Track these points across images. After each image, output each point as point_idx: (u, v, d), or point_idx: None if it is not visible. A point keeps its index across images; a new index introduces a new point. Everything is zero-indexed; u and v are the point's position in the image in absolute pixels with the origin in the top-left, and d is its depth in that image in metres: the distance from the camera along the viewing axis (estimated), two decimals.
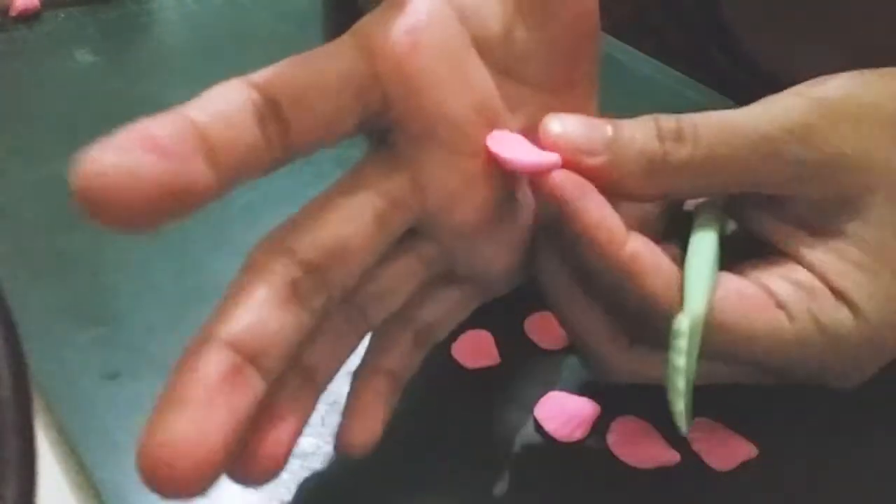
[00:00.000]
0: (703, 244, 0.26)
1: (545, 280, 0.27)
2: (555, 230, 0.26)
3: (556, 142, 0.25)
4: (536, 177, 0.25)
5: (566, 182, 0.24)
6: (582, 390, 0.31)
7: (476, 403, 0.30)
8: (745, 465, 0.29)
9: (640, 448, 0.29)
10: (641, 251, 0.25)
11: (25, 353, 0.23)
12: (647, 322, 0.25)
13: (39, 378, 0.29)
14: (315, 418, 0.29)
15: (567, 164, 0.25)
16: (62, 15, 0.50)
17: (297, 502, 0.27)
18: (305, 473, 0.27)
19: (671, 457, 0.29)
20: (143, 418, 0.28)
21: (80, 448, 0.27)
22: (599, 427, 0.30)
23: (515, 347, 0.33)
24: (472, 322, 0.33)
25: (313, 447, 0.28)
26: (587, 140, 0.25)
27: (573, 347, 0.32)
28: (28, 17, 0.49)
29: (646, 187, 0.25)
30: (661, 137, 0.25)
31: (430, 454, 0.29)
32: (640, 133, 0.25)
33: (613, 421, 0.30)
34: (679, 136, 0.25)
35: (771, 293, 0.26)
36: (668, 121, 0.26)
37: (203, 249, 0.35)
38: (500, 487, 0.28)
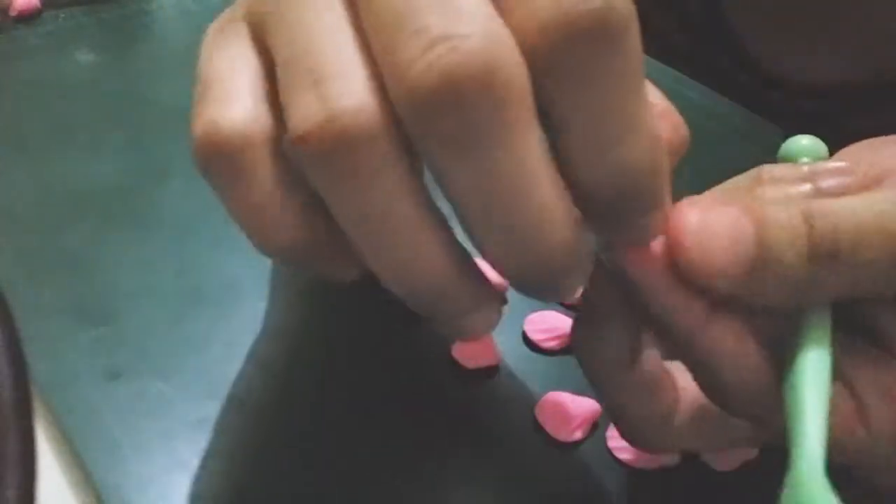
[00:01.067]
0: (817, 358, 0.21)
1: (587, 359, 0.24)
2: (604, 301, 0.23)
3: (686, 249, 0.20)
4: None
5: (647, 259, 0.21)
6: (582, 390, 0.31)
7: (476, 403, 0.30)
8: (745, 465, 0.29)
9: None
10: (724, 337, 0.21)
11: (25, 353, 0.23)
12: (731, 408, 0.22)
13: (39, 378, 0.29)
14: (315, 418, 0.29)
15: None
16: (62, 15, 0.50)
17: (295, 500, 0.27)
18: (304, 475, 0.27)
19: (671, 457, 0.29)
20: (143, 418, 0.28)
21: (80, 448, 0.27)
22: (599, 427, 0.30)
23: (515, 347, 0.33)
24: None
25: (313, 447, 0.28)
26: (725, 262, 0.20)
27: (573, 349, 0.33)
28: (28, 17, 0.49)
29: (779, 306, 0.21)
30: (811, 257, 0.20)
31: (430, 454, 0.29)
32: (790, 252, 0.20)
33: None
34: (834, 255, 0.20)
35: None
36: (823, 233, 0.20)
37: (203, 249, 0.35)
38: (500, 487, 0.28)
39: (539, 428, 0.30)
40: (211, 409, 0.29)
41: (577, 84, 0.17)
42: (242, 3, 0.21)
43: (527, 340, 0.33)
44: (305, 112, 0.17)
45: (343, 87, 0.17)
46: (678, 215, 0.21)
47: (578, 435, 0.29)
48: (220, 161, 0.19)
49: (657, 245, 0.21)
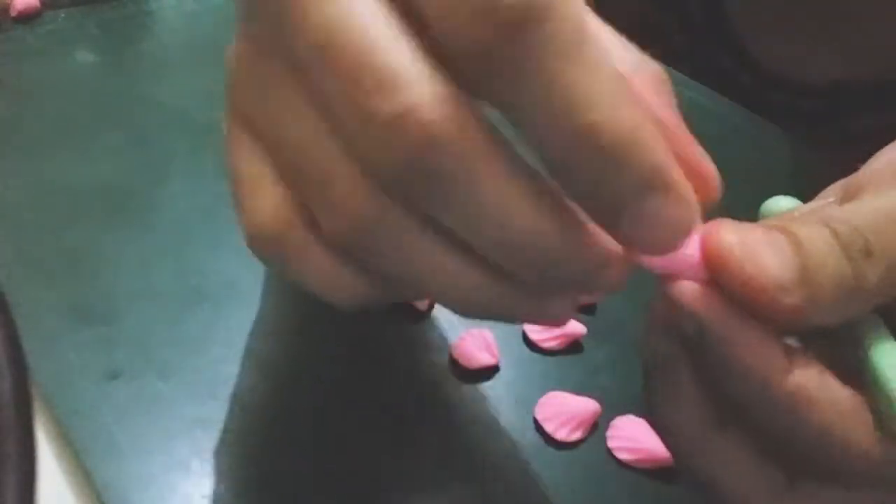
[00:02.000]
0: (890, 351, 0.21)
1: (667, 423, 0.22)
2: (682, 358, 0.21)
3: (735, 268, 0.19)
4: (668, 280, 0.20)
5: (709, 300, 0.20)
6: (582, 390, 0.31)
7: (476, 403, 0.30)
8: None
9: (640, 448, 0.29)
10: (808, 380, 0.20)
11: (25, 353, 0.23)
12: (819, 456, 0.21)
13: (39, 378, 0.29)
14: (315, 418, 0.29)
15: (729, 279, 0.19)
16: (62, 15, 0.50)
17: (294, 499, 0.27)
18: (306, 474, 0.27)
19: (671, 457, 0.29)
20: (143, 418, 0.28)
21: (80, 448, 0.27)
22: (599, 427, 0.30)
23: (515, 347, 0.33)
24: (472, 322, 0.33)
25: (313, 447, 0.28)
26: (779, 269, 0.19)
27: (570, 349, 0.33)
28: (28, 17, 0.49)
29: (834, 319, 0.20)
30: (849, 257, 0.20)
31: (430, 454, 0.29)
32: (830, 257, 0.20)
33: (613, 421, 0.30)
34: (868, 251, 0.20)
35: None
36: (848, 233, 0.20)
37: (203, 249, 0.35)
38: (500, 487, 0.28)
39: (539, 428, 0.30)
40: (211, 409, 0.29)
41: (518, 76, 0.16)
42: (230, 93, 0.21)
43: (527, 340, 0.33)
44: (329, 221, 0.18)
45: (342, 190, 0.18)
46: (713, 237, 0.20)
47: (578, 435, 0.29)
48: (272, 256, 0.20)
49: (703, 271, 0.20)
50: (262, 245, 0.20)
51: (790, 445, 0.21)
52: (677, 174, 0.17)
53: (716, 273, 0.19)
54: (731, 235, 0.19)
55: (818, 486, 0.22)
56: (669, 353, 0.22)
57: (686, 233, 0.18)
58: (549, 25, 0.15)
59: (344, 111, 0.17)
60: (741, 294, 0.19)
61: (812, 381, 0.20)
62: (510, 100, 0.17)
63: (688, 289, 0.20)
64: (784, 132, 0.48)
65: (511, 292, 0.19)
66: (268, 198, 0.20)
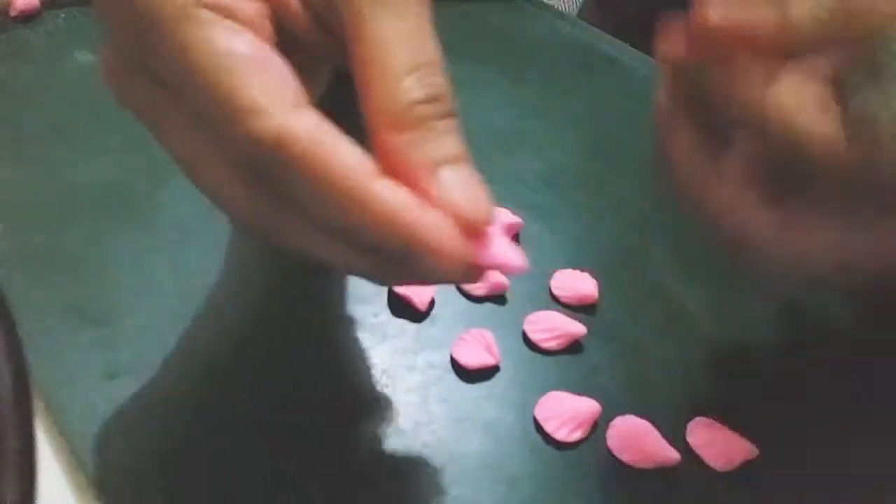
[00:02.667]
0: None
1: (670, 153, 0.27)
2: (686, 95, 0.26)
3: (719, 25, 0.24)
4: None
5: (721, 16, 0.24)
6: (582, 390, 0.31)
7: (476, 403, 0.30)
8: (745, 465, 0.29)
9: (640, 448, 0.29)
10: (787, 91, 0.23)
11: (25, 353, 0.23)
12: (802, 168, 0.24)
13: (39, 378, 0.29)
14: (315, 418, 0.29)
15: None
16: (62, 15, 0.50)
17: (294, 499, 0.27)
18: (307, 474, 0.27)
19: (671, 457, 0.29)
20: (143, 418, 0.28)
21: (80, 448, 0.27)
22: (599, 427, 0.30)
23: (515, 347, 0.33)
24: (472, 322, 0.33)
25: (313, 447, 0.28)
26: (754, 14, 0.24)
27: (570, 349, 0.33)
28: (28, 17, 0.49)
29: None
30: None
31: (430, 454, 0.29)
32: None
33: (613, 421, 0.30)
34: None
35: None
36: None
37: (203, 249, 0.35)
38: (500, 487, 0.28)
39: (539, 428, 0.30)
40: (211, 409, 0.29)
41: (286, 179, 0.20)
42: None
43: (527, 340, 0.33)
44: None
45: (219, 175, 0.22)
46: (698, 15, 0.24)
47: (578, 435, 0.29)
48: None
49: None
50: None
51: (776, 160, 0.24)
52: (438, 239, 0.20)
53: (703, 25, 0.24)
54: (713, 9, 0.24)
55: (806, 209, 0.24)
56: (672, 100, 0.27)
57: (462, 275, 0.21)
58: (284, 151, 0.19)
59: (216, 125, 0.20)
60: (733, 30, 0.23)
61: (790, 89, 0.23)
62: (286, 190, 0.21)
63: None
64: None
65: (376, 262, 0.21)
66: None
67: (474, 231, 0.21)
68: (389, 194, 0.20)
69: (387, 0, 0.21)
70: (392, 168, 0.20)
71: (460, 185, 0.21)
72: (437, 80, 0.21)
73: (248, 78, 0.20)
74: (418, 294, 0.33)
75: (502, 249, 0.21)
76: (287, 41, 0.22)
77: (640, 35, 0.56)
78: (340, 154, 0.20)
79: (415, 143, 0.21)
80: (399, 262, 0.20)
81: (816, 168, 0.23)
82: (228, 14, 0.21)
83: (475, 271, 0.21)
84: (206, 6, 0.20)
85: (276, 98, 0.20)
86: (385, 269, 0.22)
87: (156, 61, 0.21)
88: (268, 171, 0.20)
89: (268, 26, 0.22)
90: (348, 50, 0.21)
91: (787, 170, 0.24)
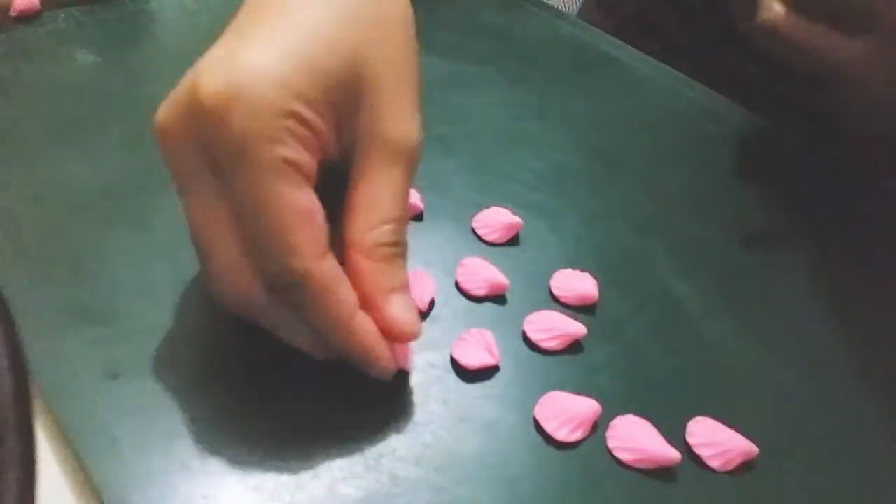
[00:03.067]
0: None
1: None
2: None
3: None
4: None
5: None
6: (582, 390, 0.31)
7: (476, 403, 0.30)
8: (745, 465, 0.29)
9: (640, 448, 0.29)
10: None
11: (25, 353, 0.23)
12: None
13: (39, 378, 0.29)
14: (314, 418, 0.29)
15: None
16: (62, 15, 0.50)
17: (298, 502, 0.27)
18: (306, 473, 0.27)
19: (671, 457, 0.29)
20: (143, 418, 0.28)
21: (80, 448, 0.27)
22: (599, 427, 0.30)
23: (515, 347, 0.33)
24: (472, 322, 0.33)
25: (313, 447, 0.28)
26: None
27: (571, 349, 0.33)
28: (28, 17, 0.49)
29: None
30: None
31: (430, 454, 0.29)
32: None
33: (613, 421, 0.30)
34: None
35: None
36: None
37: None
38: (501, 487, 0.28)
39: (539, 428, 0.30)
40: (211, 409, 0.29)
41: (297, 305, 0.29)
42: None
43: (527, 340, 0.33)
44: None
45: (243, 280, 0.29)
46: None
47: (578, 435, 0.29)
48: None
49: None
50: None
51: None
52: (384, 357, 0.29)
53: None
54: None
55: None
56: None
57: (391, 365, 0.29)
58: (303, 285, 0.27)
59: (263, 249, 0.27)
60: None
61: None
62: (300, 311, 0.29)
63: None
64: (783, 132, 0.48)
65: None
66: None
67: (406, 340, 0.29)
68: (365, 326, 0.28)
69: (383, 166, 0.29)
70: (356, 276, 0.28)
71: (404, 308, 0.29)
72: (400, 231, 0.29)
73: (297, 227, 0.26)
74: (418, 294, 0.33)
75: (406, 356, 0.31)
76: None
77: (640, 35, 0.56)
78: (342, 293, 0.28)
79: (378, 271, 0.28)
80: (349, 358, 0.29)
81: None
82: (297, 168, 0.27)
83: (391, 372, 0.30)
84: (287, 162, 0.26)
85: (312, 246, 0.27)
86: (336, 357, 0.29)
87: (223, 160, 0.27)
88: (289, 289, 0.27)
89: (316, 171, 0.28)
90: (350, 179, 0.29)
91: None
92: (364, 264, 0.28)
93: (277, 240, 0.26)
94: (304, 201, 0.27)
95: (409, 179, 0.30)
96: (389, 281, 0.29)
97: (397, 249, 0.29)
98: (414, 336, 0.29)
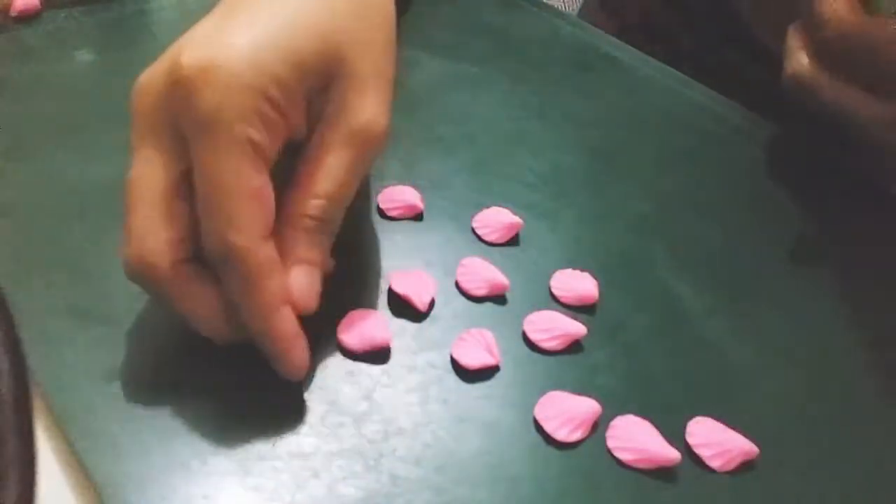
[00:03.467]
0: None
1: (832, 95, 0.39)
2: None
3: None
4: None
5: None
6: (582, 390, 0.31)
7: (476, 403, 0.30)
8: (745, 465, 0.29)
9: (640, 448, 0.29)
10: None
11: (25, 353, 0.23)
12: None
13: (39, 378, 0.29)
14: (315, 418, 0.29)
15: None
16: (62, 15, 0.50)
17: (298, 502, 0.27)
18: (306, 473, 0.27)
19: (671, 457, 0.29)
20: (143, 418, 0.28)
21: (80, 448, 0.27)
22: (599, 427, 0.30)
23: (515, 347, 0.33)
24: (472, 322, 0.33)
25: (313, 447, 0.28)
26: None
27: (571, 349, 0.33)
28: (28, 17, 0.49)
29: None
30: None
31: (430, 454, 0.29)
32: None
33: (613, 421, 0.30)
34: None
35: None
36: None
37: None
38: (501, 487, 0.28)
39: (539, 428, 0.30)
40: (211, 409, 0.29)
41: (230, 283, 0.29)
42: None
43: (527, 340, 0.33)
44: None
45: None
46: None
47: (578, 435, 0.29)
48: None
49: None
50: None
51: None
52: (293, 352, 0.29)
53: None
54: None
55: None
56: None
57: (303, 366, 0.29)
58: (238, 262, 0.27)
59: (208, 218, 0.27)
60: None
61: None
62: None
63: None
64: (783, 132, 0.48)
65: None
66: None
67: (298, 311, 0.29)
68: (288, 322, 0.28)
69: (336, 145, 0.29)
70: (276, 243, 0.28)
71: (306, 278, 0.29)
72: (330, 210, 0.29)
73: (245, 205, 0.27)
74: (418, 294, 0.33)
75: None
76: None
77: (642, 36, 0.56)
78: (274, 280, 0.28)
79: (293, 239, 0.29)
80: (263, 348, 0.29)
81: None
82: (259, 150, 0.27)
83: (300, 375, 0.29)
84: (251, 142, 0.27)
85: (255, 226, 0.27)
86: (238, 342, 0.29)
87: (190, 128, 0.27)
88: (226, 264, 0.27)
89: (276, 154, 0.28)
90: (302, 155, 0.30)
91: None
92: (285, 231, 0.29)
93: (224, 213, 0.27)
94: (257, 183, 0.27)
95: (361, 165, 0.30)
96: (303, 252, 0.29)
97: (320, 225, 0.29)
98: (306, 308, 0.29)
